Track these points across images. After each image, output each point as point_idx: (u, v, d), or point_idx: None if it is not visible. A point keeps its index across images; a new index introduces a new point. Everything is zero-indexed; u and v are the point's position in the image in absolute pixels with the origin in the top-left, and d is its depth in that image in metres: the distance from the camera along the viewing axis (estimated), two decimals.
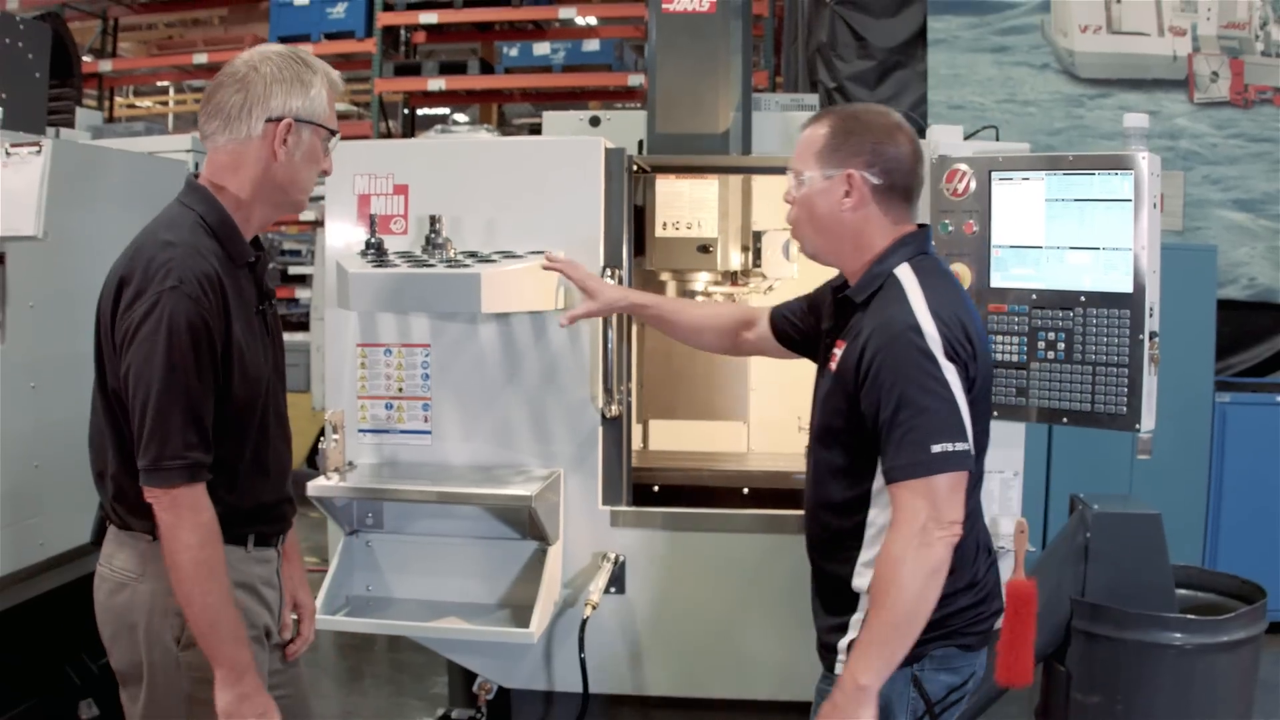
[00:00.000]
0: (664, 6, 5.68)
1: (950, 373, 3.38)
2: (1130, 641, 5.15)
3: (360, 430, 5.23)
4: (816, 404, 3.77)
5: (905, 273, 3.57)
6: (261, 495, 3.73)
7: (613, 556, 5.11)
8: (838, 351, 3.64)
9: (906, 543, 3.34)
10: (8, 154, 5.43)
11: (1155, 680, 5.15)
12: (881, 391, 3.41)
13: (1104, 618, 5.20)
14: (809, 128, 3.71)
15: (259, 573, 3.75)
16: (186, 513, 3.37)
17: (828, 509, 3.69)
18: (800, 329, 4.19)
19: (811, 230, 3.71)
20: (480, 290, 4.61)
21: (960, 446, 3.36)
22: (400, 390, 5.20)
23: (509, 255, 4.92)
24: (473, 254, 4.94)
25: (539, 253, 4.91)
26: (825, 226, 3.67)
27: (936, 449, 3.33)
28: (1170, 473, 7.90)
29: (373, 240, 4.98)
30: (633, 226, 5.29)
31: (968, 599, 3.62)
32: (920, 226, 3.73)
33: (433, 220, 4.95)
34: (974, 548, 3.67)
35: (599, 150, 5.12)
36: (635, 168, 5.39)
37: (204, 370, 3.39)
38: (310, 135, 3.62)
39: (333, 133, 3.70)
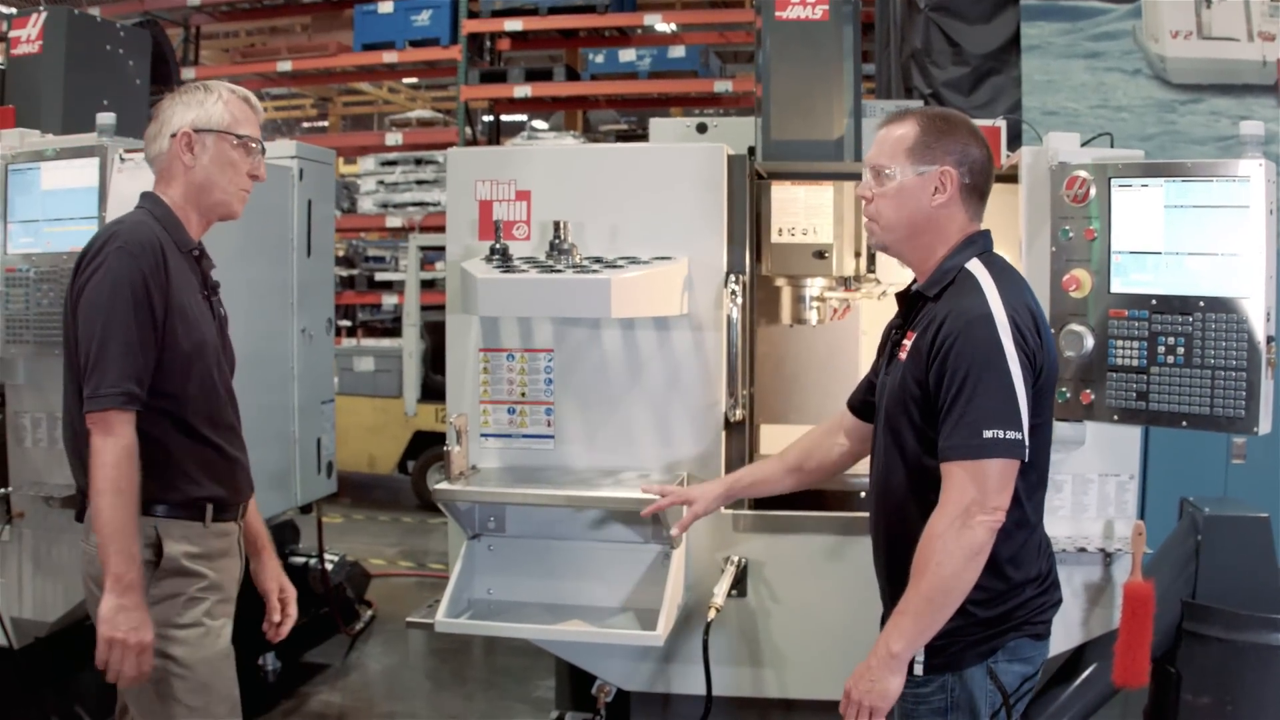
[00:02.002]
0: (777, 13, 5.69)
1: (1015, 363, 3.47)
2: (1240, 643, 5.14)
3: (483, 435, 5.28)
4: (884, 397, 3.83)
5: (977, 267, 3.65)
6: (216, 440, 4.18)
7: (737, 559, 5.15)
8: (907, 343, 3.72)
9: (949, 522, 3.44)
10: (121, 160, 5.50)
11: (1265, 682, 5.14)
12: (946, 372, 3.50)
13: (1214, 620, 5.19)
14: (893, 126, 3.77)
15: (218, 545, 4.19)
16: (111, 436, 3.84)
17: (906, 501, 3.74)
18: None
19: (895, 223, 3.76)
20: (610, 295, 4.68)
21: (1012, 435, 3.44)
22: (523, 395, 5.25)
23: (633, 261, 4.97)
24: (597, 259, 4.99)
25: (664, 258, 4.96)
26: (911, 220, 3.73)
27: (988, 434, 3.42)
28: (1263, 477, 7.89)
29: (498, 246, 5.05)
30: (754, 232, 5.33)
31: (1033, 590, 3.69)
32: (983, 231, 3.81)
33: (557, 226, 5.01)
34: (1040, 543, 3.76)
35: (721, 157, 5.16)
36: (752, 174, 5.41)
37: (141, 317, 3.91)
38: (215, 142, 4.16)
39: (239, 138, 4.19)
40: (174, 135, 4.11)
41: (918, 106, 6.44)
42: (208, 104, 4.15)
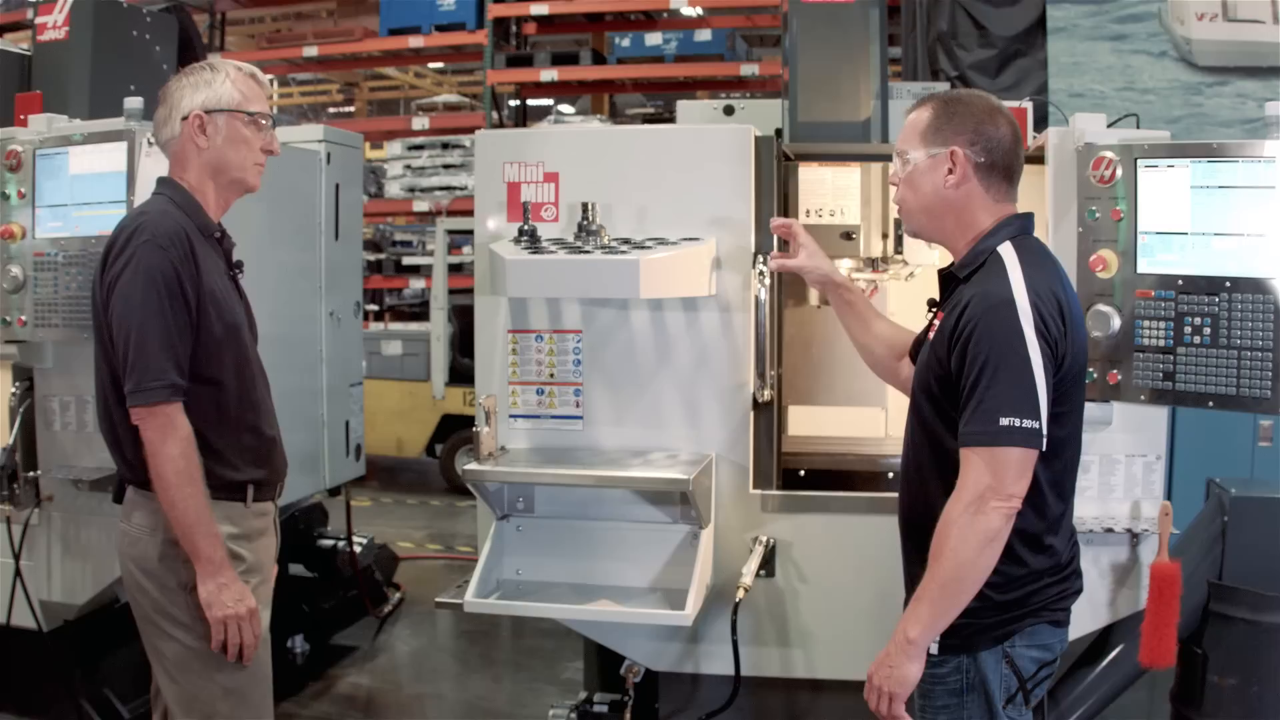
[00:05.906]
0: None
1: (1036, 350, 3.46)
2: (1266, 624, 5.16)
3: (511, 415, 5.29)
4: (914, 378, 3.89)
5: (1007, 250, 3.65)
6: (253, 422, 4.23)
7: (765, 540, 5.16)
8: (937, 323, 3.76)
9: (963, 508, 3.45)
10: (149, 144, 5.50)
11: None
12: (967, 358, 3.51)
13: (1240, 601, 5.20)
14: (913, 112, 3.82)
15: (257, 525, 4.25)
16: (169, 427, 3.90)
17: (929, 482, 3.76)
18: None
19: (917, 208, 3.81)
20: (639, 276, 4.69)
21: (1029, 424, 3.43)
22: (552, 376, 5.26)
23: (661, 242, 4.98)
24: (626, 241, 5.00)
25: (692, 239, 4.96)
26: (929, 204, 3.77)
27: (1004, 422, 3.42)
28: None
29: (526, 227, 5.06)
30: (782, 214, 5.32)
31: (1051, 577, 3.69)
32: (1023, 214, 3.81)
33: (585, 207, 5.02)
34: (1064, 531, 3.75)
35: (749, 138, 5.16)
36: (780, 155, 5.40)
37: (176, 308, 3.95)
38: (226, 122, 4.17)
39: (250, 115, 4.21)
40: (185, 118, 4.12)
41: (943, 88, 6.44)
42: (216, 84, 4.15)
